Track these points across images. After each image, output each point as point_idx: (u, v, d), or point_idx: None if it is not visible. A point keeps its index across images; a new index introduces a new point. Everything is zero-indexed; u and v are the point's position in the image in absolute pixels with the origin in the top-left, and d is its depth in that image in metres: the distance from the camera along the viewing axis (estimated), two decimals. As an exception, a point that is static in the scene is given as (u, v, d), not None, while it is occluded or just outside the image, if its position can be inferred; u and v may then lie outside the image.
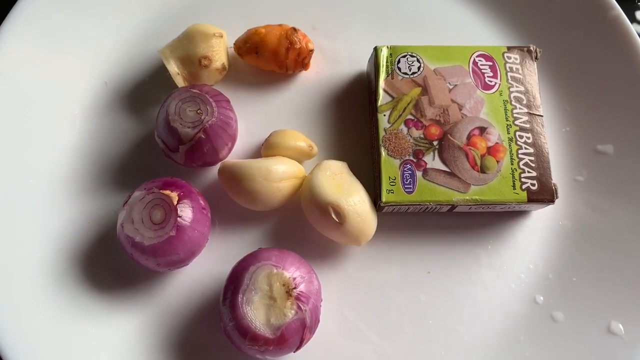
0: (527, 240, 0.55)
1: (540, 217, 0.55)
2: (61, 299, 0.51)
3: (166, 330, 0.51)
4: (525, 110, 0.54)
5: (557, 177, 0.55)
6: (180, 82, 0.55)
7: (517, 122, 0.53)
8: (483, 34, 0.61)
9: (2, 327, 0.48)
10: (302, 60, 0.57)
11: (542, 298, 0.53)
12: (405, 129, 0.53)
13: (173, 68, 0.55)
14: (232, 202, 0.53)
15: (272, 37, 0.56)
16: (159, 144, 0.52)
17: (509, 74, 0.55)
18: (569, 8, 0.60)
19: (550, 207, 0.54)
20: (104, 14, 0.60)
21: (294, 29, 0.56)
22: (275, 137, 0.54)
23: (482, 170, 0.52)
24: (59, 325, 0.50)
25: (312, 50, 0.57)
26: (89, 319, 0.50)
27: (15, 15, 0.57)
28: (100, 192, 0.55)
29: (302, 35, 0.56)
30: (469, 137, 0.53)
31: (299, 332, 0.45)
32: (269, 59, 0.56)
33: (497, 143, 0.53)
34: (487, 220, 0.55)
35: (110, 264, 0.52)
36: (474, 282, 0.53)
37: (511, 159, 0.52)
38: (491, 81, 0.55)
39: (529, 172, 0.52)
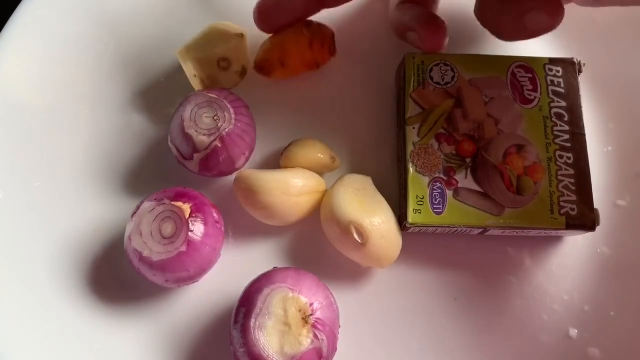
0: (561, 268, 0.51)
1: (577, 244, 0.51)
2: (63, 312, 0.48)
3: (173, 349, 0.48)
4: (567, 127, 0.50)
5: (597, 200, 0.50)
6: (196, 84, 0.52)
7: (557, 141, 0.49)
8: (521, 43, 0.56)
9: (1, 340, 0.45)
10: (327, 47, 0.53)
11: (576, 332, 0.49)
12: (436, 144, 0.49)
13: (189, 69, 0.52)
14: (248, 214, 0.50)
15: (289, 38, 0.52)
16: (173, 150, 0.49)
17: (550, 87, 0.51)
18: (615, 18, 0.56)
19: (588, 233, 0.50)
20: (120, 9, 0.57)
21: (308, 22, 0.52)
22: (294, 147, 0.51)
23: (518, 191, 0.48)
24: (60, 339, 0.47)
25: (332, 33, 0.53)
26: (91, 334, 0.48)
27: (27, 5, 0.54)
28: (108, 198, 0.52)
29: (317, 25, 0.53)
30: (504, 155, 0.49)
31: (314, 362, 0.42)
32: (296, 64, 0.52)
33: (535, 162, 0.49)
34: (519, 244, 0.51)
35: (116, 276, 0.49)
36: (503, 311, 0.49)
37: (550, 180, 0.48)
38: (530, 95, 0.51)
39: (568, 195, 0.48)
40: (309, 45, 0.52)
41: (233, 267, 0.50)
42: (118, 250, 0.50)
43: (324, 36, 0.52)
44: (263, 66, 0.53)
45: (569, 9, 0.56)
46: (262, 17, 0.51)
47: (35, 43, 0.54)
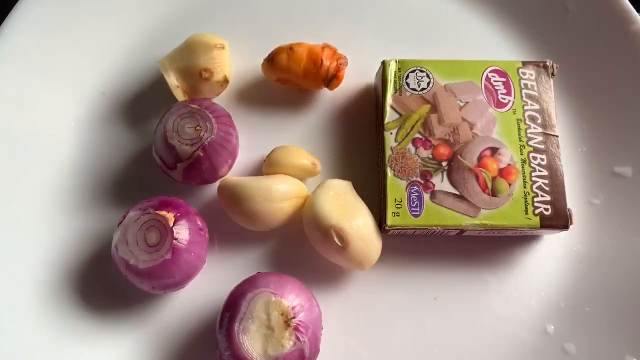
0: (538, 266, 0.52)
1: (553, 242, 0.53)
2: (53, 320, 0.49)
3: (161, 354, 0.49)
4: (540, 130, 0.51)
5: (572, 199, 0.52)
6: (179, 95, 0.53)
7: (531, 143, 0.51)
8: (496, 47, 0.58)
9: (-8, 350, 0.47)
10: (337, 60, 0.54)
11: (553, 328, 0.50)
12: (412, 149, 0.50)
13: (172, 80, 0.53)
14: (232, 220, 0.51)
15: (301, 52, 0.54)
16: (157, 160, 0.50)
17: (524, 91, 0.53)
18: (588, 21, 0.57)
19: (564, 231, 0.52)
20: (103, 22, 0.58)
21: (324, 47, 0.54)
22: (277, 154, 0.52)
23: (493, 193, 0.49)
24: (50, 346, 0.48)
25: (345, 61, 0.55)
26: (81, 341, 0.49)
27: (12, 23, 0.55)
28: (96, 207, 0.53)
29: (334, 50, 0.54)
30: (479, 158, 0.50)
31: (297, 364, 0.43)
32: (303, 53, 0.53)
33: (509, 165, 0.50)
34: (497, 244, 0.52)
35: (104, 284, 0.51)
36: (482, 309, 0.51)
37: (524, 181, 0.50)
38: (504, 99, 0.52)
39: (542, 196, 0.50)
40: (321, 49, 0.53)
41: (218, 273, 0.51)
42: (106, 259, 0.51)
43: (335, 53, 0.54)
44: (272, 55, 0.54)
45: (542, 13, 0.58)
46: None
47: (20, 54, 0.55)
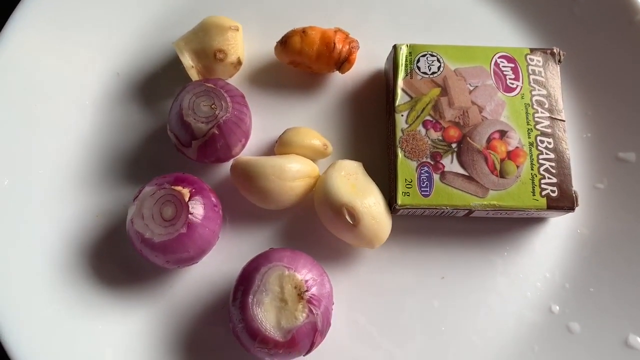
0: (544, 247, 0.53)
1: (559, 225, 0.54)
2: (68, 294, 0.50)
3: (174, 328, 0.50)
4: (547, 114, 0.53)
5: (577, 184, 0.54)
6: (194, 75, 0.54)
7: (538, 127, 0.52)
8: (505, 34, 0.59)
9: (7, 321, 0.47)
10: (349, 44, 0.55)
11: (558, 308, 0.51)
12: (423, 130, 0.52)
13: (187, 61, 0.54)
14: (244, 199, 0.52)
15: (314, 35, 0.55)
16: (172, 138, 0.51)
17: (532, 76, 0.54)
18: (594, 11, 0.59)
19: (569, 214, 0.53)
20: (118, 3, 0.59)
21: (336, 31, 0.55)
22: (289, 135, 0.53)
23: (502, 175, 0.51)
24: (64, 320, 0.49)
25: (357, 45, 0.56)
26: (95, 315, 0.50)
27: (27, 3, 0.55)
28: (109, 185, 0.54)
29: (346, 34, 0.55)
30: (488, 140, 0.51)
31: (310, 336, 0.44)
32: (316, 35, 0.54)
33: (517, 147, 0.51)
34: (503, 226, 0.54)
35: (118, 259, 0.52)
36: (488, 289, 0.52)
37: (531, 164, 0.51)
38: (513, 83, 0.53)
39: (549, 178, 0.51)
40: (333, 33, 0.54)
41: (231, 249, 0.52)
42: (119, 235, 0.52)
43: (348, 37, 0.55)
44: (285, 38, 0.55)
45: (549, 1, 0.60)
46: None
47: (36, 34, 0.56)
